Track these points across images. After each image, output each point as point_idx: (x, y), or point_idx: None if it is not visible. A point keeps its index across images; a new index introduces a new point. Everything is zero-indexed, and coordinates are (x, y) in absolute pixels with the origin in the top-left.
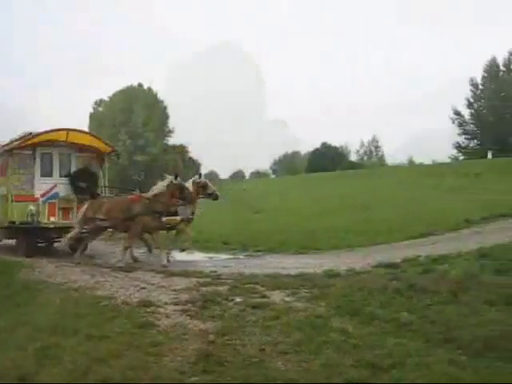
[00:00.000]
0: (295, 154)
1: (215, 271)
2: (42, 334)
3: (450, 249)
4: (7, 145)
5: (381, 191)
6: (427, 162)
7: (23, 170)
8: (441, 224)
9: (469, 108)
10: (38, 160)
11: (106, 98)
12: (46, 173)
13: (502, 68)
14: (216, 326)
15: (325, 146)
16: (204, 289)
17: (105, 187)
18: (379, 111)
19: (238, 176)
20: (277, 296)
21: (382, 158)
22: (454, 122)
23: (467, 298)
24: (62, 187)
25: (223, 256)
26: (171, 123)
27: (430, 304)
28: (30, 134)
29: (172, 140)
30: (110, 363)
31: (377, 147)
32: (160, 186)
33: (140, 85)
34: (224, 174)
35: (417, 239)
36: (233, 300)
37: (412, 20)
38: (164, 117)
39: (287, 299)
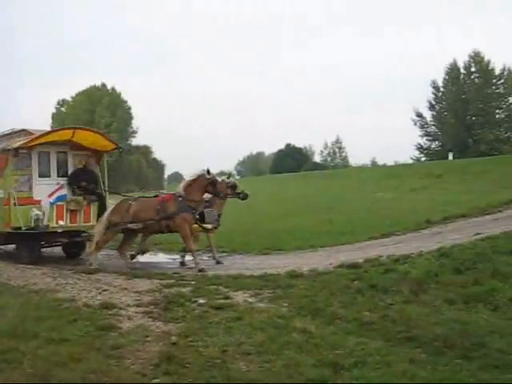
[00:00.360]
0: (259, 155)
1: (178, 273)
2: (1, 337)
3: (411, 249)
4: (3, 140)
5: (344, 192)
6: (390, 163)
7: (20, 171)
8: (403, 224)
9: (430, 110)
10: (35, 159)
11: (68, 98)
12: (44, 173)
13: (462, 71)
14: (178, 328)
15: (289, 147)
16: (167, 290)
17: (106, 190)
18: (341, 112)
19: None
20: (240, 297)
21: (345, 159)
22: (415, 124)
23: (427, 297)
24: (68, 188)
25: (186, 257)
26: (135, 124)
27: (391, 303)
28: (24, 130)
29: (135, 140)
30: (71, 367)
31: (340, 148)
32: (186, 181)
33: (103, 85)
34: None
35: (379, 239)
36: (196, 301)
37: (378, 20)
38: (128, 117)
39: (250, 300)
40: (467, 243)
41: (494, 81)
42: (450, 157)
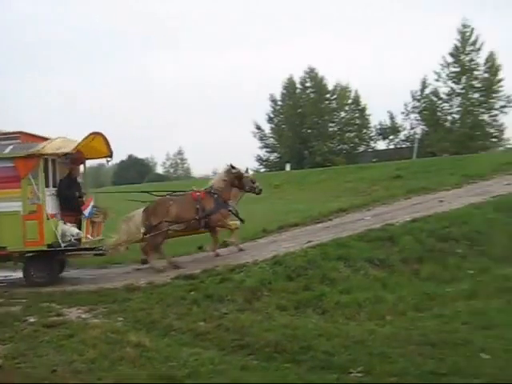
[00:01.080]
0: (101, 167)
1: (7, 291)
2: None
3: (248, 258)
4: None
5: None
6: None
7: (33, 181)
8: (240, 234)
9: (269, 123)
10: (42, 168)
11: None
12: (47, 183)
13: (298, 86)
14: (5, 349)
15: (131, 158)
16: None
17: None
18: (182, 123)
19: None
20: (73, 313)
21: (187, 171)
22: (255, 136)
23: (261, 304)
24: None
25: (19, 275)
26: None
27: (225, 313)
28: (21, 132)
29: None
30: None
31: (182, 159)
32: (218, 177)
33: None
34: None
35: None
36: (26, 320)
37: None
38: None
39: (84, 316)
40: (299, 251)
41: (328, 96)
42: (288, 168)
